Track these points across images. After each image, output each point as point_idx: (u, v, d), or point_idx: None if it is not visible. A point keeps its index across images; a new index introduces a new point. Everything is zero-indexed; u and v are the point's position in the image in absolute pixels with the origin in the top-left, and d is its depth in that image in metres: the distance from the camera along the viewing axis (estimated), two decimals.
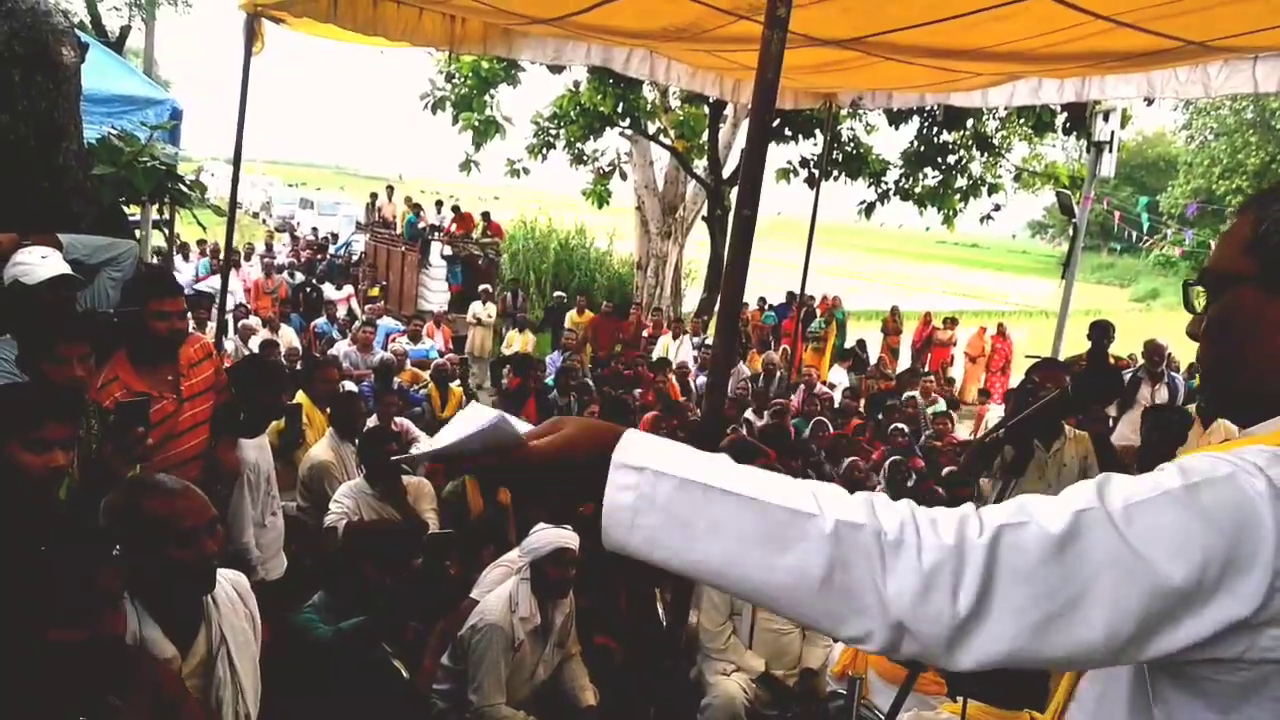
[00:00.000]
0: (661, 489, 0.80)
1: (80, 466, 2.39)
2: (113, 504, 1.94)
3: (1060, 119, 11.57)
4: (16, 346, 2.65)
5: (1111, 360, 7.72)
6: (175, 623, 1.93)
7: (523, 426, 0.92)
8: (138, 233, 5.58)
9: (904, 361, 13.61)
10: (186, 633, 1.95)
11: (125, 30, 13.31)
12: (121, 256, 3.21)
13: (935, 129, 12.92)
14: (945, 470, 6.69)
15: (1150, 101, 7.41)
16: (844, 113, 9.75)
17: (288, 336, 9.26)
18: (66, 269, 2.85)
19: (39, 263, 2.78)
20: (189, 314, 3.36)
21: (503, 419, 0.89)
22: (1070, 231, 10.12)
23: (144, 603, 1.89)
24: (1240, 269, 0.94)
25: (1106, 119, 9.17)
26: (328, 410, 5.01)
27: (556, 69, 11.05)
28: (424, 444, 1.01)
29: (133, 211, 5.58)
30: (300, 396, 5.30)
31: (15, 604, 1.56)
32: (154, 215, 6.45)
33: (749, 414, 7.76)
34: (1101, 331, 7.08)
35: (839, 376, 10.49)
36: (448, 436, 0.94)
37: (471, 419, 0.91)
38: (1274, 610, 0.76)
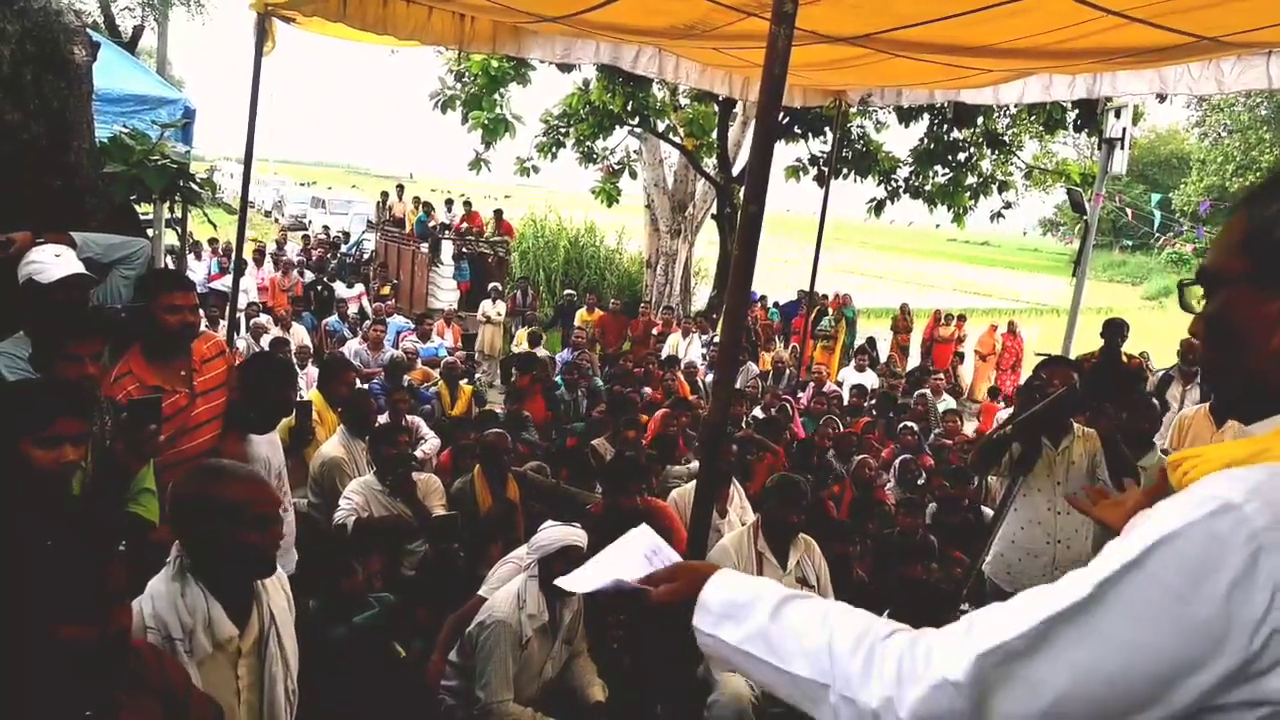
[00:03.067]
0: (724, 650, 1.09)
1: (94, 462, 2.41)
2: (186, 489, 2.01)
3: (1071, 116, 11.50)
4: (30, 344, 2.67)
5: (1124, 359, 7.68)
6: (235, 603, 2.03)
7: (664, 553, 1.24)
8: (150, 231, 5.61)
9: (914, 359, 13.58)
10: (243, 612, 2.05)
11: (138, 30, 13.41)
12: (134, 255, 3.23)
13: (945, 126, 12.87)
14: (953, 467, 6.68)
15: (1163, 98, 7.37)
16: (853, 110, 9.70)
17: (299, 335, 9.32)
18: (80, 268, 2.87)
19: (53, 261, 2.80)
20: (201, 310, 3.37)
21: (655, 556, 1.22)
22: (1082, 229, 10.06)
23: (208, 585, 1.98)
24: (1234, 268, 0.94)
25: (1118, 115, 9.11)
26: (339, 410, 5.03)
27: (566, 67, 11.05)
28: (588, 569, 1.30)
29: (145, 210, 5.61)
30: (313, 394, 5.32)
31: (26, 600, 1.58)
32: (166, 214, 6.49)
33: (757, 411, 7.76)
34: (1115, 330, 7.03)
35: (859, 378, 10.39)
36: (606, 564, 1.22)
37: (631, 548, 1.23)
38: (1270, 658, 0.75)
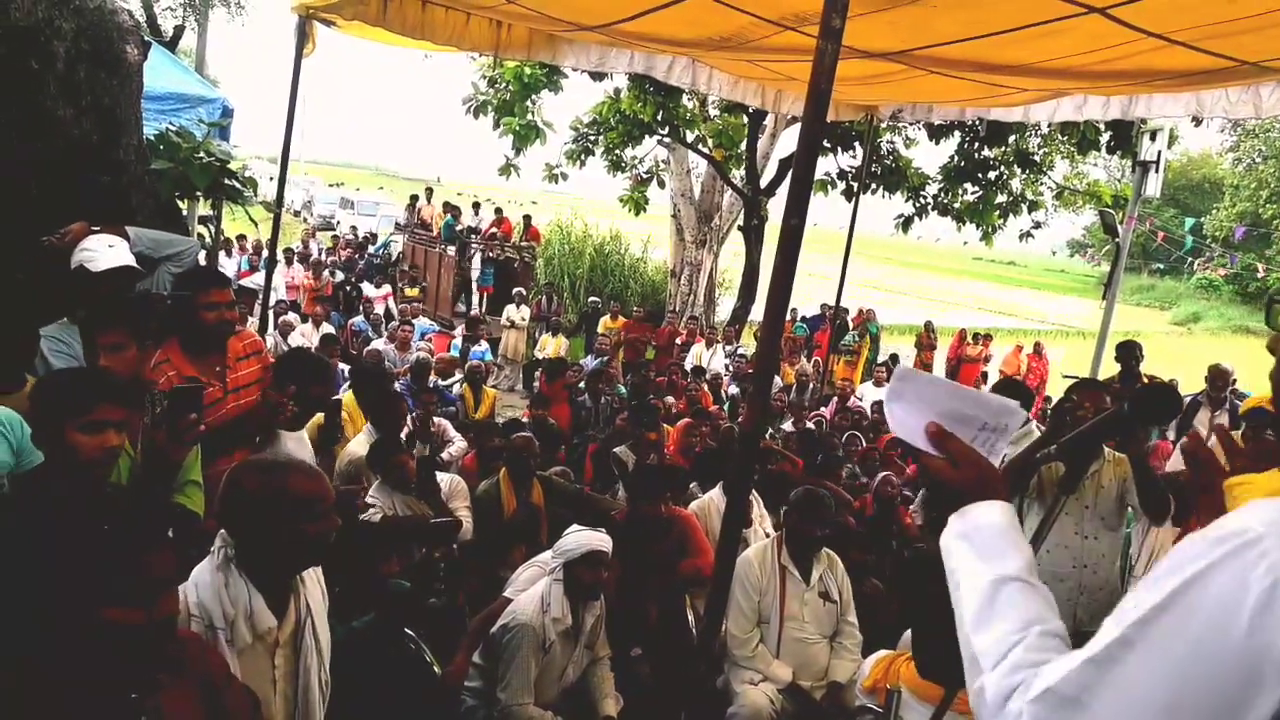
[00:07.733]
0: (946, 557, 1.12)
1: (142, 450, 2.46)
2: (253, 482, 2.03)
3: (1105, 137, 11.43)
4: (79, 331, 2.73)
5: (1144, 379, 7.62)
6: (274, 595, 2.04)
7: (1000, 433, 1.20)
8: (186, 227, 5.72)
9: None
10: (281, 604, 2.06)
11: (179, 30, 13.64)
12: (184, 253, 3.31)
13: (976, 144, 12.82)
14: None
15: (1198, 121, 7.30)
16: (883, 126, 9.69)
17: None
18: (131, 261, 2.93)
19: (105, 251, 2.86)
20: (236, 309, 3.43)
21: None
22: (1112, 251, 9.97)
23: (251, 576, 2.00)
24: None
25: (1153, 138, 9.05)
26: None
27: (598, 75, 11.12)
28: (938, 393, 1.22)
29: (183, 207, 5.72)
30: (344, 394, 5.38)
31: (73, 583, 1.61)
32: (200, 211, 6.60)
33: (787, 425, 7.75)
34: (1129, 352, 7.04)
35: (878, 393, 10.33)
36: (951, 401, 1.20)
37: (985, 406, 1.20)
38: None
